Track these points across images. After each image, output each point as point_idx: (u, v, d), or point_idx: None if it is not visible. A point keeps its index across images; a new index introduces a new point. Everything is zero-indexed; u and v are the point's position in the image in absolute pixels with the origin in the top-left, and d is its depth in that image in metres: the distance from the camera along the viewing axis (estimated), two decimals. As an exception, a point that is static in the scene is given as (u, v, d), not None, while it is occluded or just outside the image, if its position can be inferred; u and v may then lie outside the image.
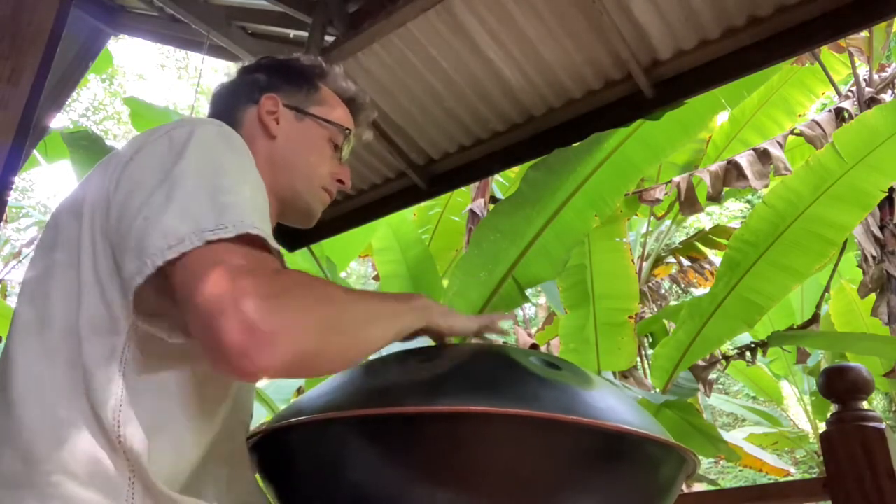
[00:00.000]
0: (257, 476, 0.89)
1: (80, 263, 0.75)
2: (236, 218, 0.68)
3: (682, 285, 5.98)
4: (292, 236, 2.76)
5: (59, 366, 0.72)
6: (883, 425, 1.11)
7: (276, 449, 0.85)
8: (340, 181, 1.03)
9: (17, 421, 0.70)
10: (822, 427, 2.18)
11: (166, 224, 0.67)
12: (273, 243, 0.71)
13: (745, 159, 3.77)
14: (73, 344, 0.72)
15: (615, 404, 0.78)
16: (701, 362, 4.12)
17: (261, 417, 4.05)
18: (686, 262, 5.54)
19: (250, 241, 0.68)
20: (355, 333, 0.73)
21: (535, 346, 5.03)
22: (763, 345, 3.91)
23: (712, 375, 4.46)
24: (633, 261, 4.18)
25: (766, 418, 7.09)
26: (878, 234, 4.22)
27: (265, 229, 0.70)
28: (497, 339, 1.00)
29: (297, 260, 3.59)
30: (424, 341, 0.91)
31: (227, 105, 1.01)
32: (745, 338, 4.85)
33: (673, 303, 6.25)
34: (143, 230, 0.69)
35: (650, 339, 5.26)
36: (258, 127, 0.97)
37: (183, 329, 0.72)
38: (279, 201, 0.97)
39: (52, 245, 0.79)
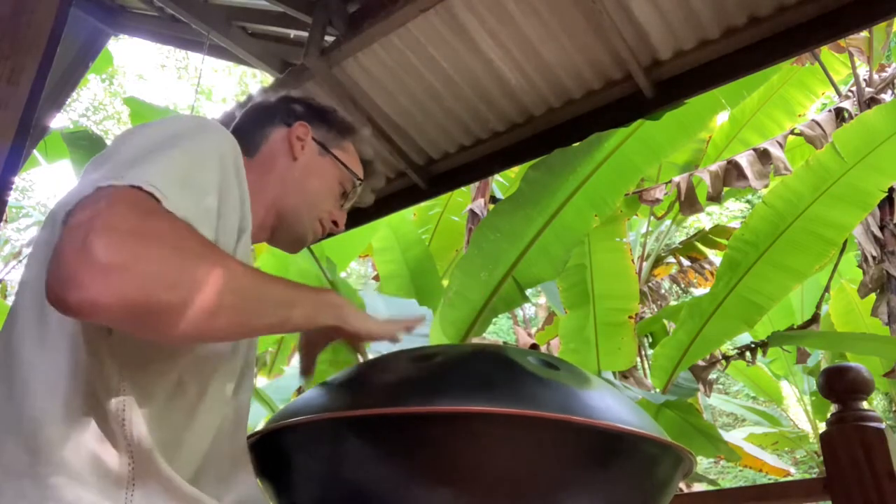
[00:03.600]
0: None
1: None
2: (142, 175, 0.67)
3: (682, 285, 5.98)
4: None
5: (60, 358, 0.72)
6: (883, 425, 1.11)
7: (275, 449, 0.85)
8: (335, 222, 1.09)
9: (20, 411, 0.71)
10: (822, 427, 2.18)
11: (89, 182, 0.68)
12: (172, 204, 0.68)
13: (745, 159, 3.76)
14: (72, 337, 0.72)
15: (612, 404, 0.78)
16: (701, 362, 4.12)
17: (260, 417, 4.05)
18: (686, 262, 5.54)
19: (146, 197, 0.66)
20: (220, 303, 0.66)
21: (535, 346, 5.04)
22: (763, 345, 3.91)
23: (712, 375, 4.46)
24: (633, 261, 4.17)
25: (766, 418, 7.09)
26: (878, 234, 4.22)
27: (167, 190, 0.68)
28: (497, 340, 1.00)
29: (297, 260, 3.60)
30: (414, 342, 0.91)
31: (261, 119, 1.08)
32: (745, 338, 4.85)
33: (673, 303, 6.24)
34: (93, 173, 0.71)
35: (650, 339, 5.25)
36: (284, 146, 1.04)
37: None
38: (278, 219, 1.03)
39: (48, 241, 0.80)
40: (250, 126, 1.07)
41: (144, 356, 0.73)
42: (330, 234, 1.13)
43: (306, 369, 1.01)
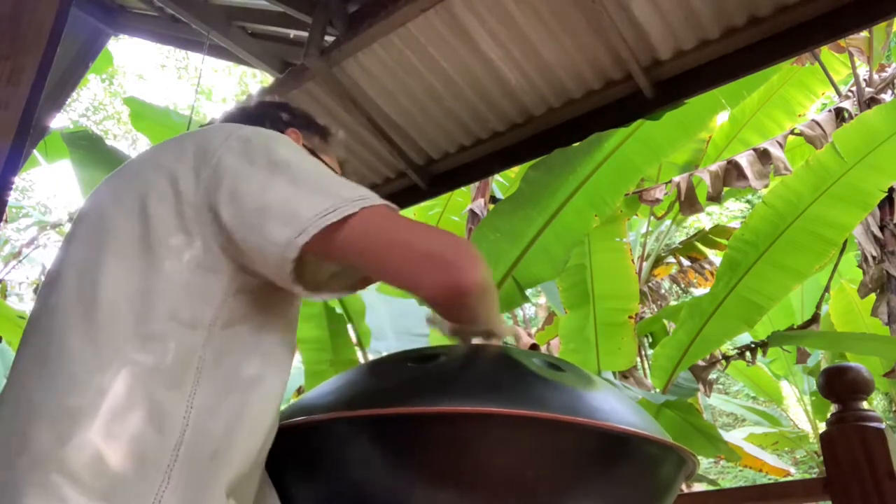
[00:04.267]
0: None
1: (151, 253, 0.77)
2: (362, 192, 0.79)
3: (682, 285, 5.98)
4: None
5: (115, 350, 0.73)
6: (883, 425, 1.11)
7: (278, 448, 0.85)
8: None
9: (58, 402, 0.71)
10: (822, 427, 2.18)
11: (310, 198, 0.76)
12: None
13: (745, 159, 3.76)
14: (132, 332, 0.73)
15: (617, 405, 0.79)
16: (701, 362, 4.12)
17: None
18: (686, 262, 5.54)
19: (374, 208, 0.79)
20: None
21: (535, 347, 5.02)
22: (763, 345, 3.91)
23: (712, 375, 4.46)
24: (633, 261, 4.17)
25: (766, 418, 7.09)
26: (878, 234, 4.22)
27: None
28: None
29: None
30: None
31: (254, 124, 1.07)
32: (745, 338, 4.85)
33: (673, 303, 6.24)
34: (280, 206, 0.76)
35: (650, 339, 5.25)
36: None
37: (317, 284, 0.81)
38: None
39: (97, 237, 0.82)
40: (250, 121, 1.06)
41: (224, 359, 0.76)
42: None
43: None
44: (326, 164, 1.06)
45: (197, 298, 0.76)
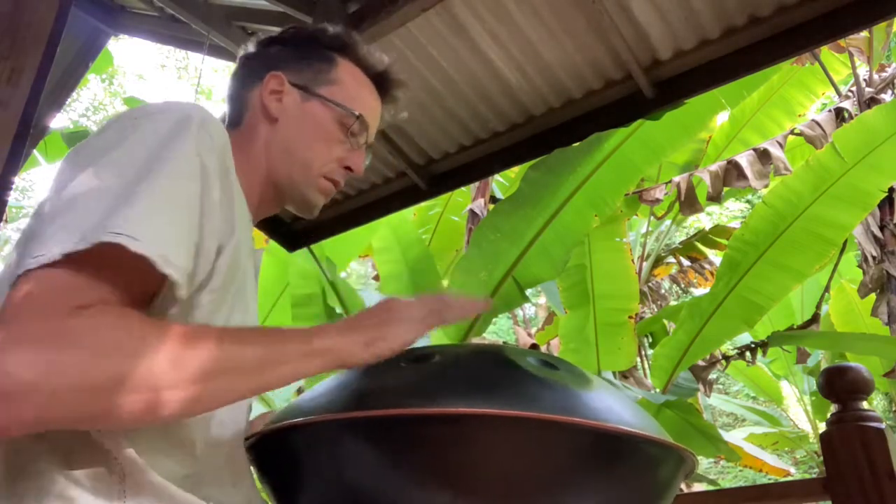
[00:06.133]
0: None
1: None
2: (112, 225, 0.60)
3: (682, 285, 5.98)
4: (292, 236, 2.76)
5: None
6: (883, 425, 1.11)
7: (274, 450, 0.85)
8: (349, 168, 0.94)
9: None
10: (822, 427, 2.18)
11: (52, 230, 0.61)
12: (147, 250, 0.60)
13: (745, 159, 3.76)
14: None
15: (613, 404, 0.78)
16: (701, 362, 4.12)
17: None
18: (686, 262, 5.54)
19: (115, 252, 0.59)
20: (165, 389, 0.60)
21: (535, 346, 5.03)
22: (763, 345, 3.91)
23: (712, 375, 4.46)
24: (633, 261, 4.18)
25: (766, 418, 7.09)
26: (878, 234, 4.22)
27: (147, 235, 0.61)
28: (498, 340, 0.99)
29: (297, 260, 3.60)
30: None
31: (242, 80, 0.96)
32: (745, 338, 4.85)
33: (673, 303, 6.24)
34: (41, 226, 0.63)
35: (650, 339, 5.25)
36: (260, 109, 0.91)
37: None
38: (276, 189, 0.92)
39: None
40: (233, 91, 0.96)
41: None
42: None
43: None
44: (328, 98, 0.92)
45: None
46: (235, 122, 0.94)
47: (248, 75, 0.95)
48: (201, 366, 0.62)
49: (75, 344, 0.57)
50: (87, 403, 0.57)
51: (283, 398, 4.16)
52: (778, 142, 3.84)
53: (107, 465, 0.68)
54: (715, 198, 3.79)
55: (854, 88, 4.46)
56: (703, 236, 5.45)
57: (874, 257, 4.22)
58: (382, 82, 0.98)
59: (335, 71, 0.95)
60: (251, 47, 0.98)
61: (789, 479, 5.77)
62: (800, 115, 4.71)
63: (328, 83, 0.93)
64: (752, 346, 4.04)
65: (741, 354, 4.11)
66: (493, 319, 3.47)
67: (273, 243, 3.00)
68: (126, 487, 0.68)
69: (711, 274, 5.28)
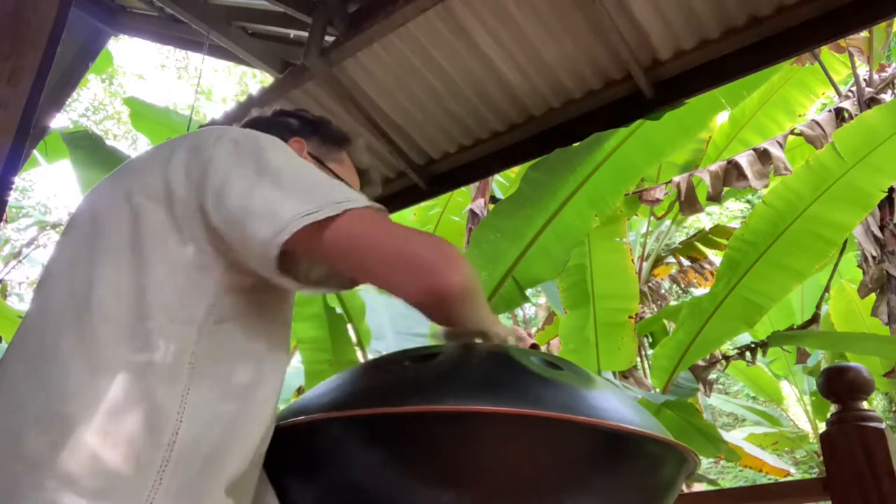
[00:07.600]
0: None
1: (143, 252, 0.78)
2: (349, 195, 0.80)
3: (682, 285, 5.97)
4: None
5: (109, 351, 0.73)
6: (883, 425, 1.11)
7: (278, 448, 0.85)
8: None
9: (50, 406, 0.71)
10: (822, 427, 2.18)
11: (292, 199, 0.77)
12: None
13: (745, 159, 3.76)
14: (127, 332, 0.74)
15: (616, 404, 0.78)
16: (701, 362, 4.12)
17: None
18: (686, 262, 5.54)
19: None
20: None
21: (535, 346, 5.02)
22: (763, 345, 3.91)
23: (712, 375, 4.46)
24: (633, 261, 4.17)
25: (766, 418, 7.09)
26: (878, 234, 4.22)
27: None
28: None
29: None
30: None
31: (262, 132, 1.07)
32: (745, 338, 4.85)
33: (673, 303, 6.24)
34: (261, 206, 0.76)
35: (650, 339, 5.25)
36: None
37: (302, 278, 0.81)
38: None
39: (90, 238, 0.82)
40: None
41: (216, 360, 0.76)
42: None
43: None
44: (335, 173, 1.07)
45: (189, 296, 0.77)
46: None
47: (273, 128, 1.04)
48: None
49: (407, 235, 0.81)
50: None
51: (282, 398, 4.16)
52: (778, 142, 3.83)
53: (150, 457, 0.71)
54: (715, 198, 3.79)
55: (854, 88, 4.46)
56: (703, 236, 5.45)
57: (874, 257, 4.22)
58: (365, 177, 1.18)
59: (340, 156, 1.12)
60: (267, 112, 1.14)
61: (789, 479, 5.77)
62: (800, 115, 4.71)
63: (336, 162, 1.10)
64: (752, 346, 4.04)
65: (741, 354, 4.10)
66: (493, 319, 3.45)
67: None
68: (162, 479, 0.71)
69: (711, 274, 5.28)
